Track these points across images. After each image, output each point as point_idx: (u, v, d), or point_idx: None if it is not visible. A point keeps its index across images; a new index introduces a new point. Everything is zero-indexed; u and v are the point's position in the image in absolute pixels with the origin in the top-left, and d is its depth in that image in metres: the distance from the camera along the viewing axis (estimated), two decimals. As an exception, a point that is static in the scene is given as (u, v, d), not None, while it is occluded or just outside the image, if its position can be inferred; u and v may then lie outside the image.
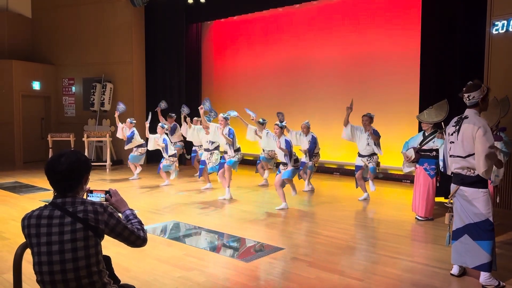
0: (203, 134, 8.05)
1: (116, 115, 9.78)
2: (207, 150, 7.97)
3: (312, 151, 7.83)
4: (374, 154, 7.04)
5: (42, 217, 2.02)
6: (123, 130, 9.43)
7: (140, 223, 2.25)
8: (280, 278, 3.87)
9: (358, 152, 7.19)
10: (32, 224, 2.02)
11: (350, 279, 3.81)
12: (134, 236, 2.16)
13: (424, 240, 5.22)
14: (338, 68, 10.25)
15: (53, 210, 2.03)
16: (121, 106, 10.00)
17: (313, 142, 7.83)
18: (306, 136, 7.84)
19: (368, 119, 6.99)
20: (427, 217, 5.92)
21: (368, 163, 7.05)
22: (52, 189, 2.12)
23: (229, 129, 7.33)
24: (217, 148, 7.98)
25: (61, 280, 1.97)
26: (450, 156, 3.79)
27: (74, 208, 2.02)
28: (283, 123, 6.62)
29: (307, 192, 7.97)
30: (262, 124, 8.03)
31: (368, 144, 6.98)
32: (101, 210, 2.05)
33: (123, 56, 12.13)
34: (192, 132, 8.73)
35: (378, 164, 7.12)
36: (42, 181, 9.20)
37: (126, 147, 9.42)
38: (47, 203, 2.13)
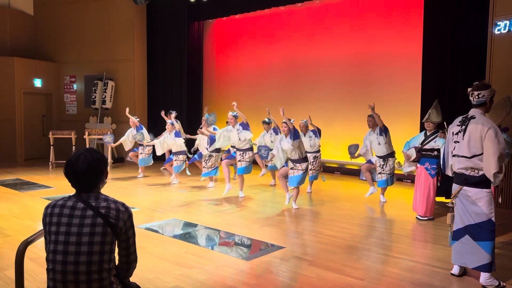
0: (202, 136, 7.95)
1: (112, 145, 9.84)
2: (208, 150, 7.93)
3: (318, 143, 7.70)
4: (389, 156, 6.87)
5: (66, 207, 2.08)
6: (131, 134, 9.36)
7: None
8: (281, 277, 3.88)
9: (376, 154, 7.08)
10: (55, 212, 2.08)
11: (351, 278, 3.82)
12: (134, 253, 2.24)
13: (424, 240, 5.22)
14: (340, 67, 10.24)
15: (77, 202, 2.09)
16: (108, 137, 10.07)
17: (316, 135, 7.63)
18: (305, 135, 7.76)
19: (373, 119, 6.93)
20: (428, 217, 5.93)
21: (379, 172, 6.89)
22: (74, 189, 2.17)
23: (241, 124, 7.25)
24: (217, 150, 7.90)
25: (73, 272, 2.01)
26: (454, 155, 3.77)
27: (97, 203, 2.08)
28: (291, 121, 6.55)
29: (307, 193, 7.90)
30: (268, 124, 7.95)
31: (379, 143, 6.83)
32: (123, 209, 2.13)
33: (125, 54, 12.14)
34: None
35: (398, 164, 6.93)
36: (43, 178, 9.22)
37: (146, 142, 9.28)
38: (57, 197, 2.15)
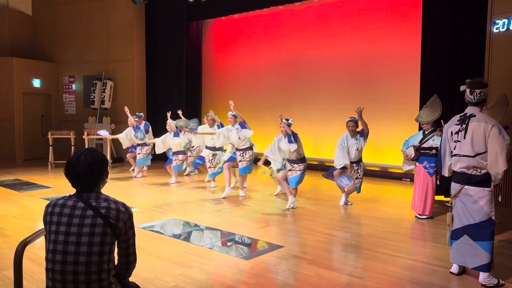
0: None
1: (108, 137, 9.81)
2: (210, 148, 7.94)
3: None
4: (360, 161, 6.70)
5: (66, 206, 2.08)
6: (130, 134, 9.35)
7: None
8: (280, 276, 3.88)
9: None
10: (55, 212, 2.08)
11: (350, 277, 3.82)
12: (134, 253, 2.24)
13: (423, 238, 5.23)
14: (339, 67, 10.23)
15: (77, 201, 2.09)
16: (103, 132, 10.23)
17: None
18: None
19: (354, 124, 6.58)
20: (427, 215, 5.93)
21: (356, 177, 6.59)
22: (75, 189, 2.17)
23: (240, 123, 7.23)
24: (220, 149, 7.93)
25: (72, 272, 2.01)
26: (454, 155, 3.74)
27: (97, 203, 2.08)
28: (290, 121, 6.55)
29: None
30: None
31: (357, 149, 6.58)
32: (123, 209, 2.13)
33: (124, 53, 12.13)
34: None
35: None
36: (43, 179, 9.21)
37: (148, 141, 9.30)
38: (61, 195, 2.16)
